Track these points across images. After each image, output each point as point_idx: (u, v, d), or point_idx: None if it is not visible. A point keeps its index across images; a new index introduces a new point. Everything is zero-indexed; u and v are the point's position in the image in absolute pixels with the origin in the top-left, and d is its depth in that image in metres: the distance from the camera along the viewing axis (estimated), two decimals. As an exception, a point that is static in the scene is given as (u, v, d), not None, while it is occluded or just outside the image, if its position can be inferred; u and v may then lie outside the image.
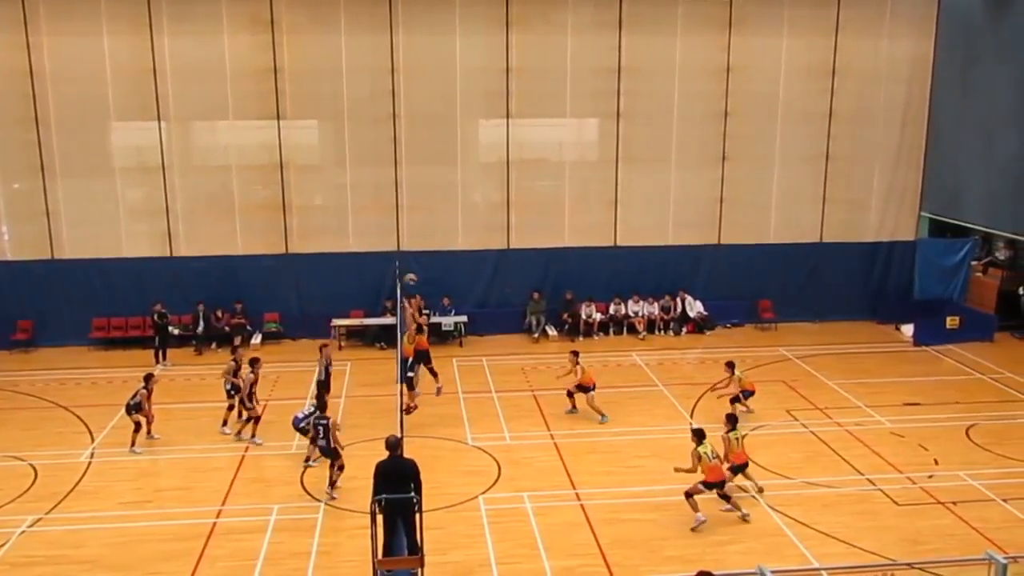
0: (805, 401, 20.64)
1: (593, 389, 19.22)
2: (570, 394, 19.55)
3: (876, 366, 23.30)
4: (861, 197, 26.99)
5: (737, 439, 15.49)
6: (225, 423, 18.86)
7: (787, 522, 14.90)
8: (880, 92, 26.35)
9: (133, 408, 17.76)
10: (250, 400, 18.37)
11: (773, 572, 9.30)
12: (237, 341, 23.25)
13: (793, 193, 26.76)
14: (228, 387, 18.80)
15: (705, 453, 14.82)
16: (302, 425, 17.29)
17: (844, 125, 26.36)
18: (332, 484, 15.88)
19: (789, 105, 26.22)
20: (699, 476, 14.86)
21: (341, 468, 15.94)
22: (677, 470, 15.09)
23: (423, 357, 18.96)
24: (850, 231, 27.02)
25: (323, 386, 19.15)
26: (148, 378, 18.23)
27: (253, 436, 18.36)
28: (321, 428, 16.16)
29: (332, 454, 16.01)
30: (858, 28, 25.85)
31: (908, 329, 25.78)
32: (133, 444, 17.83)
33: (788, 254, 26.69)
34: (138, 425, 17.87)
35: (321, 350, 19.61)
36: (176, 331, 24.53)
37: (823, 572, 13.07)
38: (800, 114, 26.27)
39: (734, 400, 19.17)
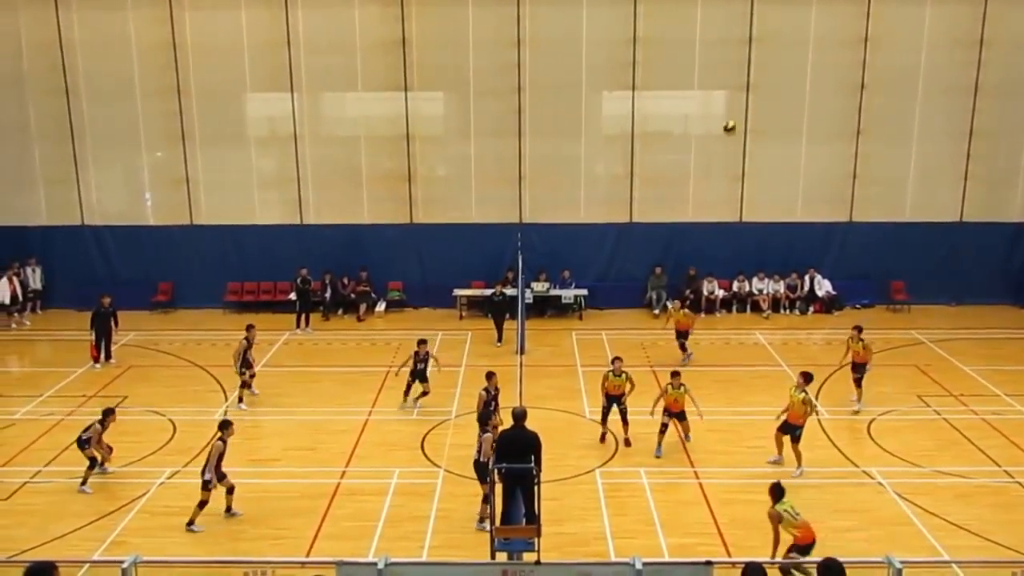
0: (938, 387, 19.78)
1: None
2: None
3: (1018, 353, 22.11)
4: (1007, 175, 25.53)
5: (788, 511, 12.30)
6: (241, 400, 18.88)
7: (915, 511, 14.35)
8: (1032, 63, 24.78)
9: (84, 443, 15.40)
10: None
11: (902, 562, 8.97)
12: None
13: (931, 170, 25.55)
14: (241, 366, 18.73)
15: (786, 511, 12.26)
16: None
17: (991, 99, 24.90)
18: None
19: (931, 77, 24.95)
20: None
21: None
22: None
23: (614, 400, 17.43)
24: (993, 210, 25.61)
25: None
26: (107, 414, 15.71)
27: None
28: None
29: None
30: (1010, -6, 24.35)
31: (1055, 315, 24.40)
32: (84, 481, 15.27)
33: (924, 233, 25.51)
34: (92, 460, 15.47)
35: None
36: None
37: (954, 565, 12.53)
38: (942, 87, 24.97)
39: (858, 368, 18.54)
